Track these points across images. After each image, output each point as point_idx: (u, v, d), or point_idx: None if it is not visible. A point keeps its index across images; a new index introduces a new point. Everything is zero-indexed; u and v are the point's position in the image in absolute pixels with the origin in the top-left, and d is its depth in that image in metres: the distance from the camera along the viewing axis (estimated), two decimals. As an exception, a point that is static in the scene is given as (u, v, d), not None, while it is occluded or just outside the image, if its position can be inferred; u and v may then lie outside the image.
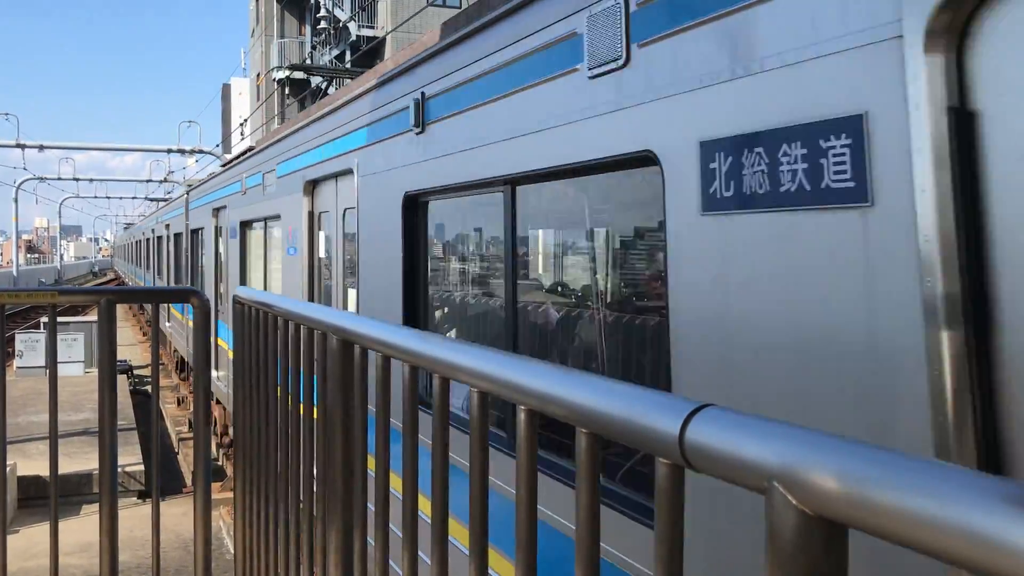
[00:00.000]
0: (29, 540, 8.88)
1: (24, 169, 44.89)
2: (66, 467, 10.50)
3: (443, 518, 1.73)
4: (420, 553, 1.89)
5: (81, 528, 9.23)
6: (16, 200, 50.28)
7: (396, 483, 1.99)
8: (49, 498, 3.38)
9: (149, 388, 19.49)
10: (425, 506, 1.78)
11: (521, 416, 1.41)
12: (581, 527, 1.27)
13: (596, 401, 1.20)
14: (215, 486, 11.39)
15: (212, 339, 14.78)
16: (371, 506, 2.19)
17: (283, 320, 2.92)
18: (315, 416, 2.61)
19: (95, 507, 3.95)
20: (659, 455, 1.08)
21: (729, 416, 1.00)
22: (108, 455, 3.48)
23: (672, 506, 1.09)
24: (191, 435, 11.17)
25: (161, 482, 10.92)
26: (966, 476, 0.76)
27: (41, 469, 10.66)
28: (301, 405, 2.73)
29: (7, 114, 37.51)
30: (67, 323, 20.72)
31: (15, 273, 47.41)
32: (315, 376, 2.57)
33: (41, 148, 38.49)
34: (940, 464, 0.80)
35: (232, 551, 5.77)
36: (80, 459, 11.17)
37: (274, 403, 3.06)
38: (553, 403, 1.31)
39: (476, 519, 1.58)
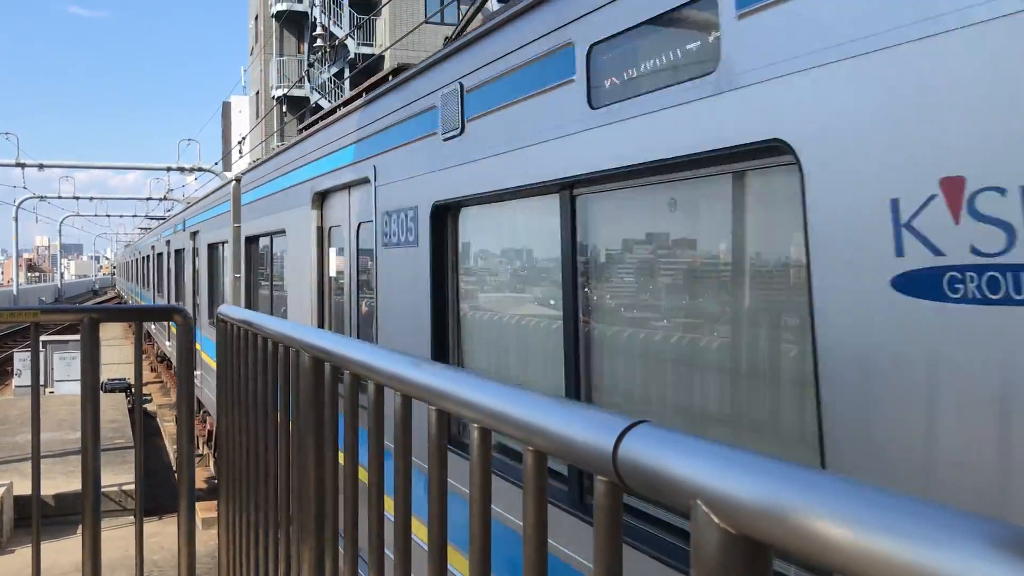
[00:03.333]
0: (24, 560, 8.84)
1: (24, 188, 45.00)
2: (65, 486, 10.45)
3: (406, 536, 1.73)
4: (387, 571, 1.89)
5: (77, 548, 9.18)
6: (16, 219, 50.37)
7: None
8: (46, 517, 3.38)
9: (147, 407, 19.47)
10: (395, 525, 1.78)
11: (474, 435, 1.42)
12: (528, 544, 1.27)
13: (539, 418, 1.20)
14: (212, 504, 11.35)
15: (197, 357, 15.31)
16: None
17: (261, 338, 2.92)
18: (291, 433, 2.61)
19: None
20: (596, 473, 1.08)
21: (660, 433, 1.00)
22: (91, 475, 3.48)
23: (609, 525, 1.08)
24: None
25: (160, 500, 10.86)
26: (888, 497, 0.76)
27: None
28: (278, 422, 2.74)
29: (7, 133, 37.63)
30: (66, 341, 20.72)
31: (15, 292, 47.47)
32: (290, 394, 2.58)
33: (41, 167, 38.56)
34: (861, 484, 0.80)
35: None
36: (79, 477, 11.11)
37: (256, 420, 3.06)
38: (502, 421, 1.31)
39: (435, 541, 1.58)
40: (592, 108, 3.30)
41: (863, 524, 0.74)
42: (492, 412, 1.34)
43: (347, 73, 37.85)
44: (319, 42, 19.63)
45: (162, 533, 9.55)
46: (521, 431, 1.25)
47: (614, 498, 1.08)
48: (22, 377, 18.32)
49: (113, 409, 12.70)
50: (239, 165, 32.30)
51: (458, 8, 31.33)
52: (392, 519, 1.76)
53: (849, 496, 0.77)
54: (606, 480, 1.08)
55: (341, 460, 2.21)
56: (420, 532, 1.70)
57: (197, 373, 14.41)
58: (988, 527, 0.67)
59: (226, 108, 60.74)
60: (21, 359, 18.63)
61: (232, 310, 3.48)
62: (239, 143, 28.45)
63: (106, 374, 20.49)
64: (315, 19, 36.53)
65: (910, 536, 0.70)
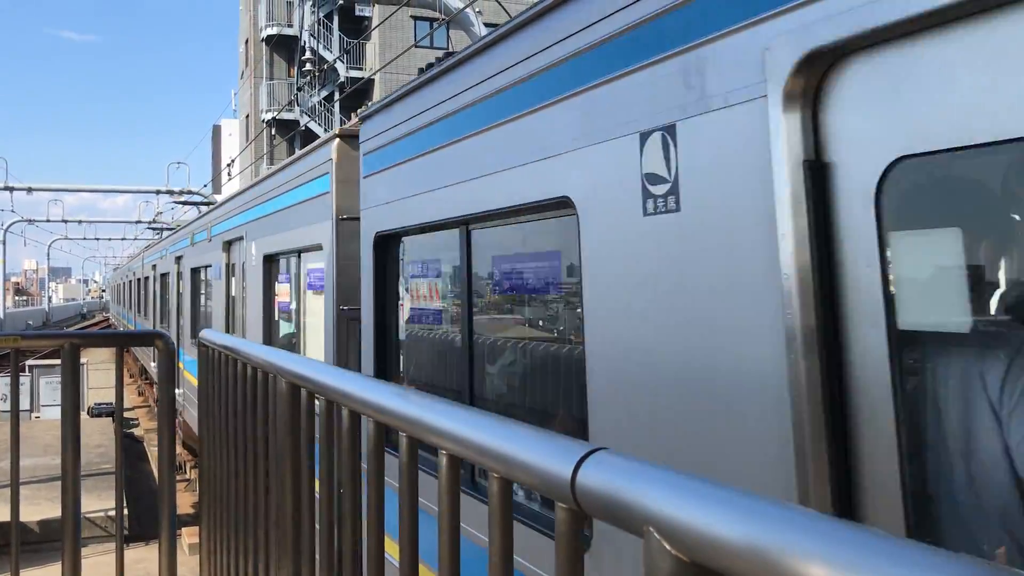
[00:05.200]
0: (5, 587, 8.75)
1: (12, 211, 44.89)
2: (50, 511, 10.35)
3: (379, 560, 1.73)
4: None
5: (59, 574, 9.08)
6: (3, 242, 50.18)
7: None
8: (30, 544, 3.35)
9: (134, 431, 19.33)
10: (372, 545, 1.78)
11: (443, 461, 1.42)
12: (494, 570, 1.27)
13: (502, 446, 1.21)
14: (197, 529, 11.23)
15: (181, 376, 15.23)
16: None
17: (241, 363, 2.93)
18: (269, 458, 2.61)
19: (81, 552, 3.91)
20: (556, 499, 1.09)
21: (616, 460, 1.02)
22: (71, 501, 3.46)
23: (570, 551, 1.09)
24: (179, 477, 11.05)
25: (147, 525, 10.76)
26: (841, 528, 0.77)
27: (24, 515, 10.50)
28: (256, 446, 2.73)
29: (-4, 157, 37.52)
30: (52, 366, 20.57)
31: (1, 316, 47.17)
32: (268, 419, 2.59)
33: (29, 190, 38.49)
34: (813, 514, 0.81)
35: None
36: (61, 504, 10.99)
37: (236, 443, 3.06)
38: (468, 448, 1.32)
39: (406, 563, 1.59)
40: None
41: (813, 555, 0.75)
42: (457, 439, 1.35)
43: (337, 96, 37.99)
44: (308, 66, 19.71)
45: (148, 559, 9.45)
46: (485, 458, 1.26)
47: (574, 524, 1.09)
48: (6, 402, 18.18)
49: (100, 434, 12.59)
50: (229, 187, 32.27)
51: (447, 32, 31.54)
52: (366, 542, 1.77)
53: (799, 527, 0.79)
54: (565, 507, 1.09)
55: (317, 485, 2.22)
56: (395, 552, 1.71)
57: (180, 391, 14.58)
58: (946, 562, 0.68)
59: (216, 131, 60.83)
60: (5, 384, 18.50)
61: (214, 335, 3.48)
62: (228, 166, 28.45)
63: (94, 398, 20.34)
64: (305, 43, 36.69)
65: (859, 567, 0.71)
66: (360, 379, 1.90)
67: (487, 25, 18.63)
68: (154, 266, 23.26)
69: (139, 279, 28.59)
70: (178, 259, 17.24)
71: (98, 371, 23.65)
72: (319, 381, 2.08)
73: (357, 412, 1.85)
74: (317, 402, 2.16)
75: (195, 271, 15.09)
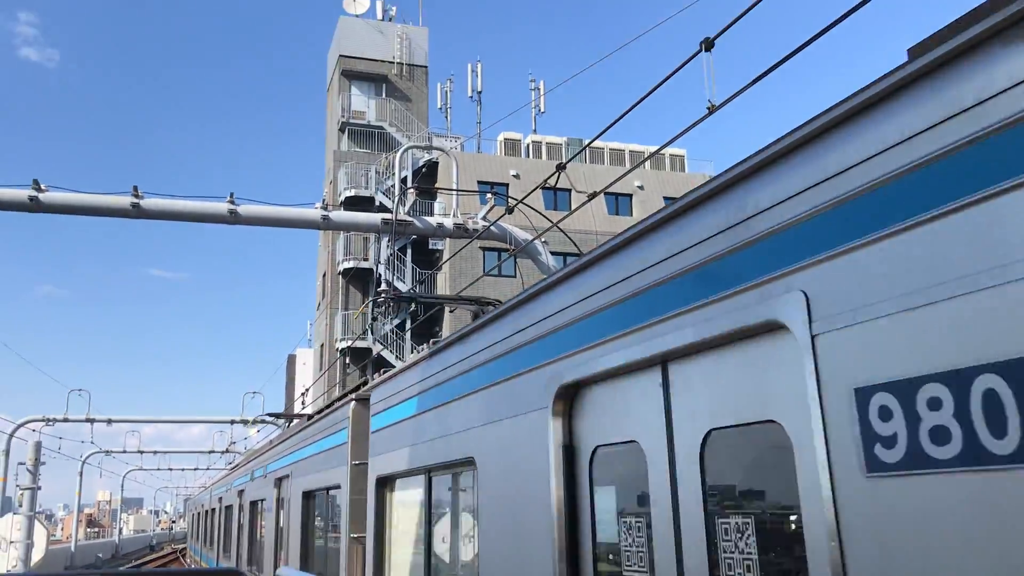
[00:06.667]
0: None
1: (92, 443, 45.83)
2: None
3: None
4: None
5: None
6: (81, 474, 50.93)
7: None
8: None
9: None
10: None
11: None
12: None
13: None
14: None
15: None
16: None
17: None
18: None
19: None
20: None
21: None
22: None
23: None
24: None
25: None
26: None
27: None
28: None
29: (80, 390, 38.85)
30: (116, 603, 20.03)
31: (72, 549, 46.93)
32: None
33: (109, 422, 39.45)
34: None
35: None
36: None
37: None
38: None
39: None
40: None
41: None
42: None
43: (408, 324, 39.02)
44: (384, 296, 20.40)
45: None
46: None
47: None
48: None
49: None
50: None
51: (515, 261, 32.62)
52: None
53: None
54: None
55: None
56: None
57: None
58: None
59: (291, 360, 62.57)
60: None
61: (292, 573, 3.32)
62: (301, 395, 28.90)
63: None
64: (380, 275, 38.29)
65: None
66: None
67: (554, 254, 19.20)
68: (220, 499, 23.25)
69: (207, 511, 28.48)
70: (241, 493, 18.22)
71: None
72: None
73: None
74: None
75: (254, 504, 16.41)
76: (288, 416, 19.86)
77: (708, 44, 6.76)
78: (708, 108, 6.79)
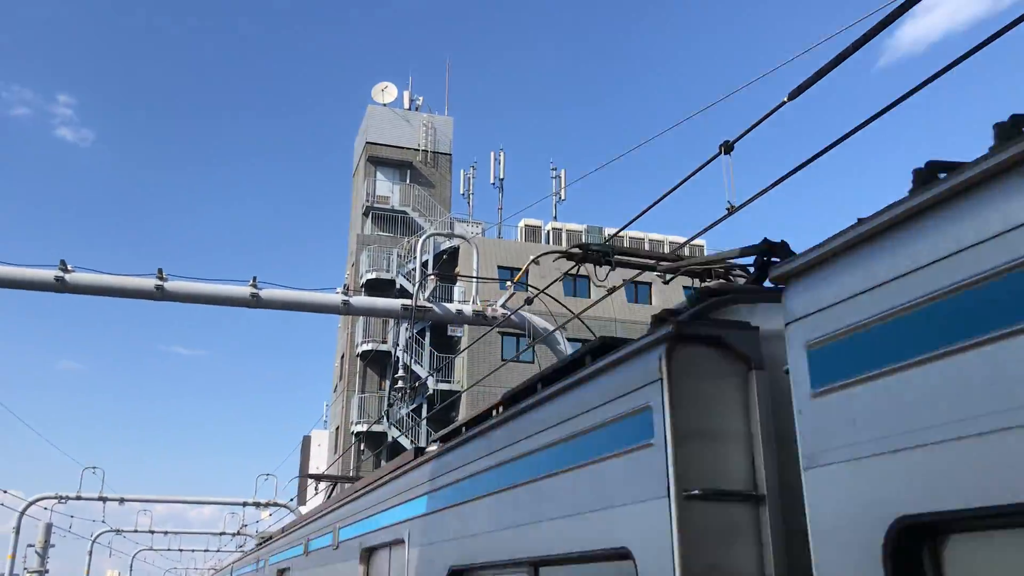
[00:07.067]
0: None
1: (103, 522, 45.40)
2: None
3: None
4: None
5: None
6: (91, 553, 50.31)
7: None
8: None
9: None
10: None
11: None
12: None
13: None
14: None
15: None
16: None
17: None
18: None
19: None
20: None
21: None
22: None
23: None
24: None
25: None
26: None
27: None
28: None
29: (94, 468, 38.65)
30: None
31: (76, 631, 45.97)
32: None
33: (122, 501, 39.15)
34: None
35: None
36: None
37: None
38: None
39: None
40: None
41: None
42: None
43: (425, 409, 38.80)
44: (400, 383, 20.37)
45: None
46: None
47: None
48: None
49: None
50: (315, 500, 32.17)
51: (533, 352, 32.55)
52: None
53: None
54: None
55: None
56: None
57: None
58: None
59: (306, 442, 62.14)
60: None
61: None
62: (315, 482, 28.53)
63: None
64: (398, 357, 38.28)
65: None
66: None
67: (571, 340, 19.14)
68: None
69: None
70: (282, 572, 13.79)
71: None
72: None
73: None
74: None
75: None
76: (334, 479, 16.99)
77: (728, 147, 6.84)
78: (727, 209, 6.84)
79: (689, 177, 7.64)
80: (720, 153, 7.04)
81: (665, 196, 7.88)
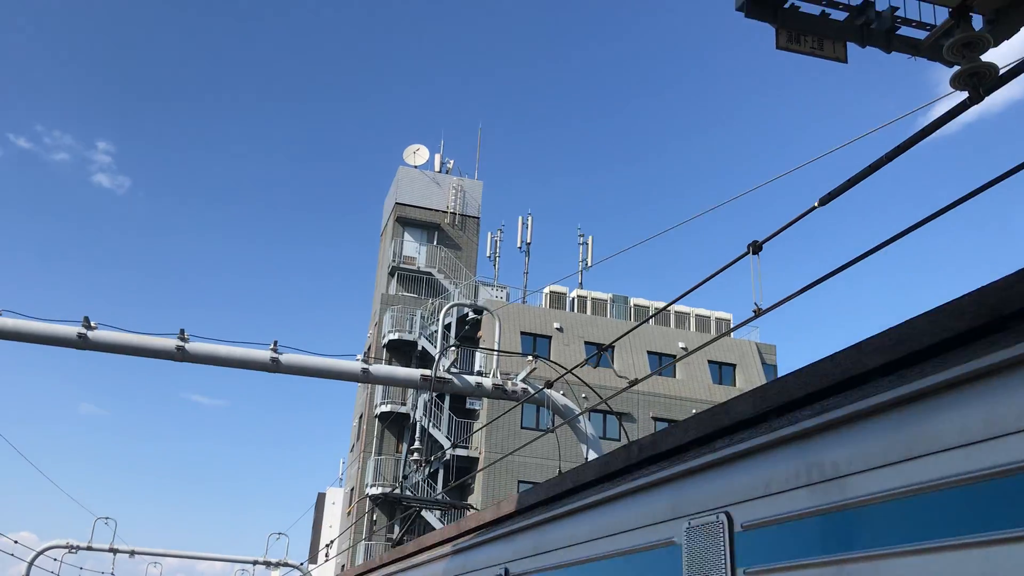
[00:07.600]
0: None
1: (112, 575, 44.93)
2: None
3: None
4: None
5: None
6: (97, 605, 49.60)
7: None
8: None
9: None
10: None
11: None
12: None
13: None
14: None
15: None
16: None
17: None
18: None
19: None
20: None
21: None
22: None
23: None
24: None
25: None
26: None
27: None
28: None
29: (107, 518, 38.41)
30: None
31: None
32: None
33: (132, 554, 38.77)
34: None
35: None
36: None
37: None
38: None
39: None
40: None
41: None
42: None
43: (441, 475, 38.35)
44: (416, 456, 20.17)
45: None
46: None
47: None
48: None
49: None
50: (327, 566, 31.74)
51: (552, 421, 32.20)
52: None
53: None
54: None
55: None
56: None
57: None
58: None
59: (320, 499, 61.59)
60: None
61: None
62: (326, 547, 28.19)
63: None
64: (415, 421, 37.99)
65: None
66: None
67: (594, 412, 18.83)
68: None
69: None
70: None
71: None
72: None
73: None
74: None
75: None
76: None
77: (756, 247, 6.74)
78: (754, 311, 6.70)
79: (717, 274, 7.54)
80: (748, 252, 6.94)
81: (689, 292, 7.77)
